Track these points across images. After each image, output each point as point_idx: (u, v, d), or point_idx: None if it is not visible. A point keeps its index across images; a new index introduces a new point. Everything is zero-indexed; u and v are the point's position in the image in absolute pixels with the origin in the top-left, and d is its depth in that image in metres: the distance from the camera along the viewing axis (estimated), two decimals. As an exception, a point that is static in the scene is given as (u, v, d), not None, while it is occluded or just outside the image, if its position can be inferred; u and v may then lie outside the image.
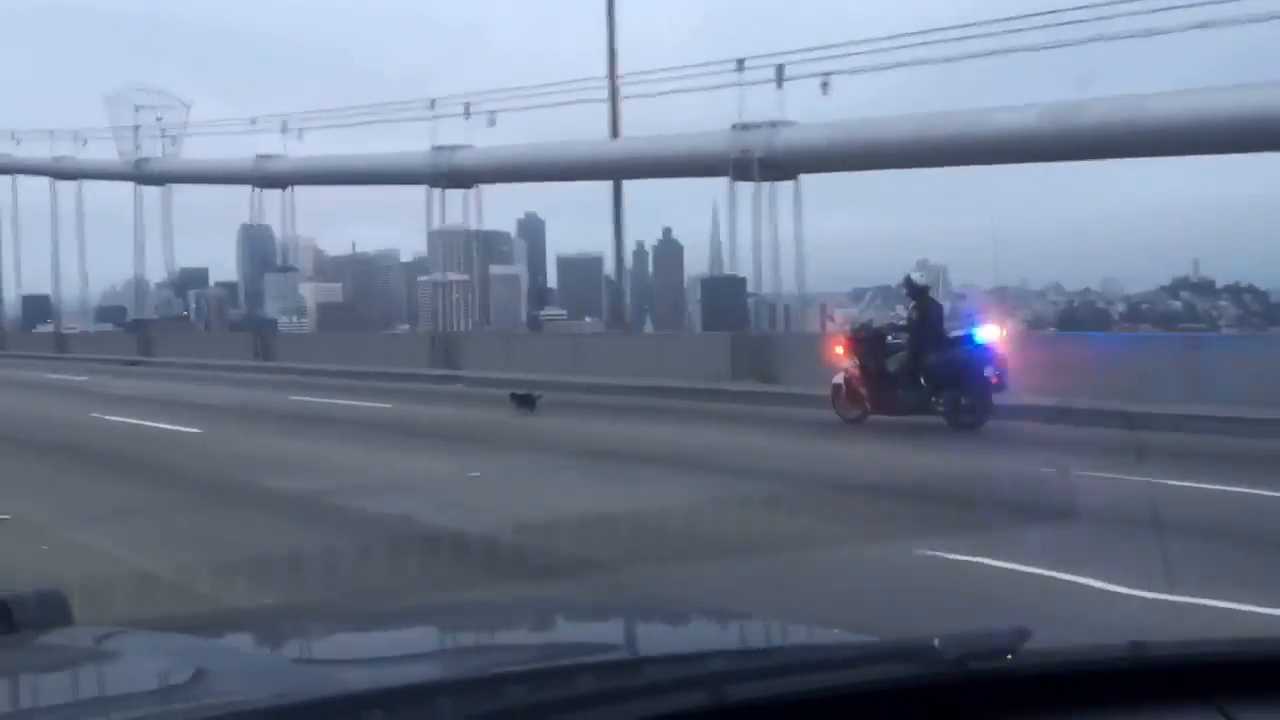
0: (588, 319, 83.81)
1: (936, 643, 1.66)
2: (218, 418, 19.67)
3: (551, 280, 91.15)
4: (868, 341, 16.34)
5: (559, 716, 1.50)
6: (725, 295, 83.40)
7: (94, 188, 51.85)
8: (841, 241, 71.01)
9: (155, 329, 51.45)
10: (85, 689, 1.98)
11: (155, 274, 75.04)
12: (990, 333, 15.86)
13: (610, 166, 25.87)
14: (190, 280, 70.02)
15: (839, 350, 16.64)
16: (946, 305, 17.60)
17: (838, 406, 16.44)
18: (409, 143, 38.08)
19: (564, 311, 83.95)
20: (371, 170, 33.96)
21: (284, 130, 36.17)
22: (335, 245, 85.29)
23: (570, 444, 15.21)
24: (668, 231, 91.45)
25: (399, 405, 21.49)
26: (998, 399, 15.34)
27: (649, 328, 78.02)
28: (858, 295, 22.55)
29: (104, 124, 48.91)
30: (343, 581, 7.07)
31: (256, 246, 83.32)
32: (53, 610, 2.18)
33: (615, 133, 25.82)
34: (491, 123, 28.28)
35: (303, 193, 39.34)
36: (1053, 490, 10.01)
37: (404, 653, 2.15)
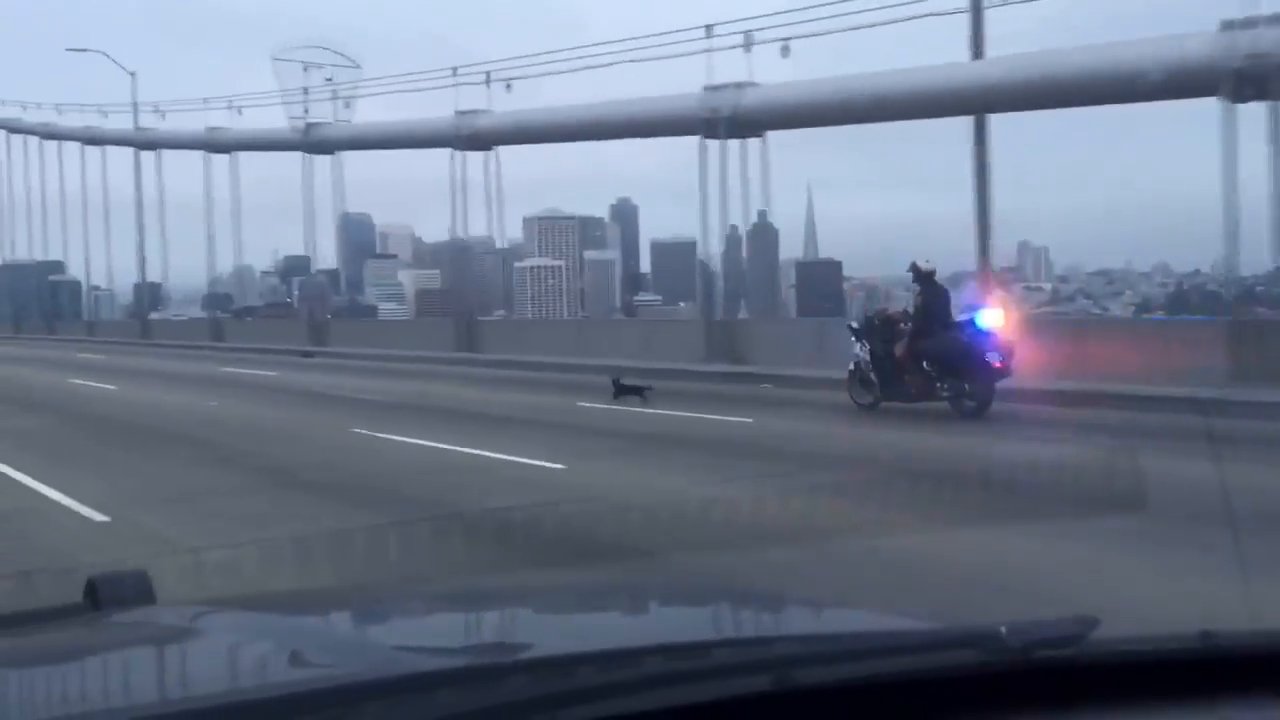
0: (681, 304, 79.56)
1: (1003, 630, 1.65)
2: (544, 439, 13.78)
3: (644, 265, 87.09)
4: (880, 328, 16.39)
5: (627, 697, 1.49)
6: (820, 279, 78.87)
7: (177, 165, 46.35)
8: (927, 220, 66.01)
9: (259, 315, 47.23)
10: (168, 665, 1.97)
11: (259, 260, 70.48)
12: (993, 317, 15.58)
13: (977, 97, 19.46)
14: (293, 268, 66.10)
15: (852, 336, 16.70)
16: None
17: (851, 392, 16.42)
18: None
19: (659, 297, 79.53)
20: (619, 121, 27.36)
21: (488, 82, 29.91)
22: (431, 232, 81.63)
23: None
24: (763, 214, 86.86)
25: (766, 419, 15.63)
26: (1010, 384, 15.28)
27: (743, 313, 73.35)
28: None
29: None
30: None
31: (355, 234, 79.09)
32: (137, 589, 2.21)
33: (978, 52, 19.63)
34: (786, 53, 22.25)
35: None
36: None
37: (478, 634, 2.20)
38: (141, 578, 2.25)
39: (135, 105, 47.18)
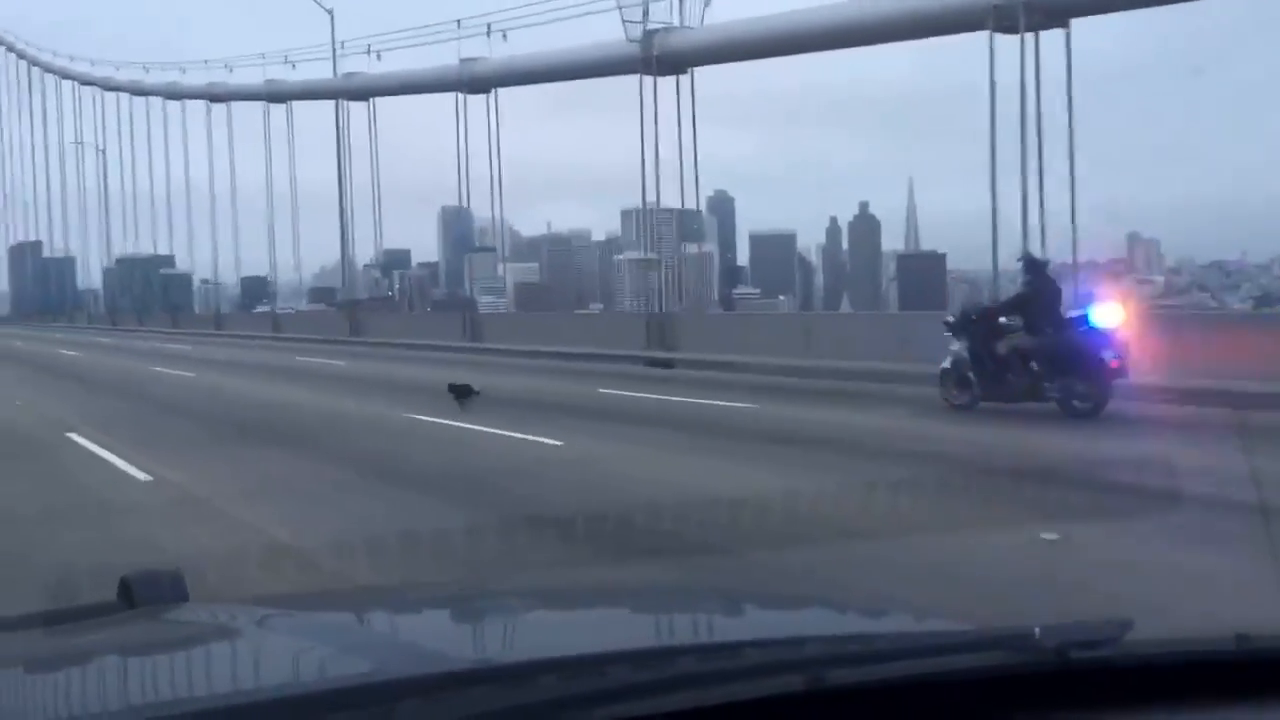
0: (781, 297, 78.72)
1: (1037, 632, 1.66)
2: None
3: (742, 258, 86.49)
4: (978, 323, 15.66)
5: (658, 697, 1.49)
6: (923, 272, 77.20)
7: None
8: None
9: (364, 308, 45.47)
10: (201, 662, 1.97)
11: (360, 254, 71.29)
12: (1109, 313, 14.76)
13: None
14: (395, 261, 66.88)
15: (947, 332, 15.99)
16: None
17: (945, 391, 15.65)
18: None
19: (757, 290, 78.89)
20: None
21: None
22: (530, 225, 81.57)
23: None
24: (864, 206, 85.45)
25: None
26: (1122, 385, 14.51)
27: (845, 306, 72.05)
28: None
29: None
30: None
31: (455, 227, 79.77)
32: (171, 588, 2.23)
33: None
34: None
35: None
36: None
37: (512, 632, 2.22)
38: (176, 576, 2.27)
39: (334, 49, 40.79)
